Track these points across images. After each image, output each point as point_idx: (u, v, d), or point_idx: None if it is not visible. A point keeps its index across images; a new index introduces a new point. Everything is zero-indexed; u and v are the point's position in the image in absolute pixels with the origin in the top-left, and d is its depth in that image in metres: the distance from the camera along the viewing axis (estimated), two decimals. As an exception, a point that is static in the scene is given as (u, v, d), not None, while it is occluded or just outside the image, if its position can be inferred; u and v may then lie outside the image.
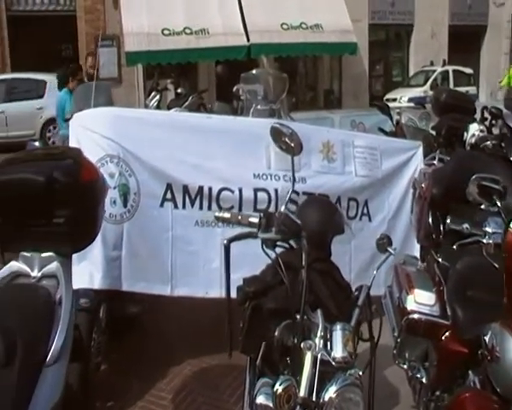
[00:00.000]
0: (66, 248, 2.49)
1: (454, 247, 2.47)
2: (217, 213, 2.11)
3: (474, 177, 1.99)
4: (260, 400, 1.79)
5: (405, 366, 2.78)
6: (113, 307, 3.54)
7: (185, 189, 3.62)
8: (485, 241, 1.70)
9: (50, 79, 13.21)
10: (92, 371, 3.20)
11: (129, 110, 4.04)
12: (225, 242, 1.94)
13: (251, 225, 1.97)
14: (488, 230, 1.70)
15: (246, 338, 2.15)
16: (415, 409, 2.93)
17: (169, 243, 3.61)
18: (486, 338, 2.00)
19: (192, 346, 3.76)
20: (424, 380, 2.65)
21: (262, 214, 1.97)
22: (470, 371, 2.27)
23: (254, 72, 5.25)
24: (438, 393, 2.55)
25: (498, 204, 1.81)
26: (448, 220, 2.40)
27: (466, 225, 2.22)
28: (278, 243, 1.96)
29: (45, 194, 2.34)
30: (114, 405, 3.24)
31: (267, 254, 1.92)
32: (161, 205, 3.62)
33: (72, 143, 3.53)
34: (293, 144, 2.02)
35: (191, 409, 3.25)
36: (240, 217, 2.03)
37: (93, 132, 3.57)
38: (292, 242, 1.99)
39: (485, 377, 2.09)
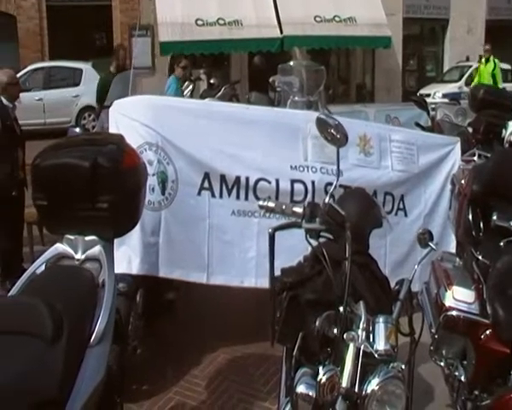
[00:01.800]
0: (108, 233, 2.54)
1: (501, 244, 2.44)
2: (261, 202, 2.12)
3: None
4: (301, 389, 1.80)
5: (442, 364, 2.77)
6: (150, 293, 3.60)
7: (222, 178, 3.66)
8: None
9: (86, 68, 13.49)
10: (129, 354, 3.26)
11: (167, 99, 4.09)
12: (270, 230, 1.95)
13: (294, 214, 1.98)
14: (534, 227, 1.68)
15: (283, 328, 2.16)
16: (450, 408, 2.91)
17: (206, 231, 3.65)
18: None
19: (226, 334, 3.81)
20: (462, 378, 2.63)
21: (306, 204, 1.98)
22: (512, 373, 2.24)
23: (292, 63, 5.24)
24: (476, 392, 2.53)
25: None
26: (494, 217, 2.37)
27: (512, 223, 2.20)
28: (322, 233, 1.96)
29: (90, 178, 2.38)
30: (149, 388, 3.31)
31: (310, 244, 1.93)
32: (199, 193, 3.66)
33: (112, 130, 3.59)
34: (338, 136, 2.02)
35: (225, 397, 3.29)
36: (284, 207, 2.04)
37: (132, 120, 3.62)
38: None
39: (527, 378, 2.07)
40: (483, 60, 12.05)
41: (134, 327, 3.31)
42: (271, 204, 2.08)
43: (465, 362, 2.65)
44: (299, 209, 1.97)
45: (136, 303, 3.43)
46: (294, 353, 2.12)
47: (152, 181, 3.53)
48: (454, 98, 10.77)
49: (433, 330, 2.77)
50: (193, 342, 3.76)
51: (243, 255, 3.63)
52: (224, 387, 3.38)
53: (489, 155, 3.81)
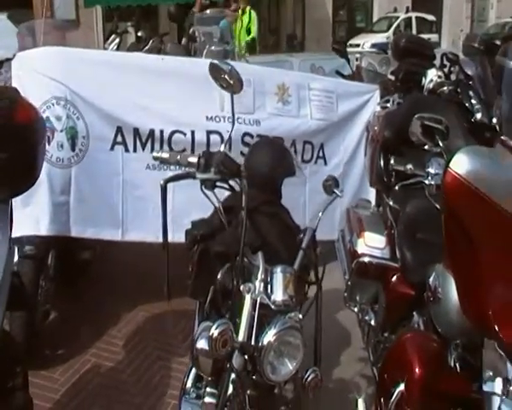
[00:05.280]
0: (3, 193, 2.37)
1: (396, 188, 2.46)
2: (155, 154, 2.02)
3: (416, 116, 1.94)
4: (200, 344, 1.76)
5: (356, 309, 2.80)
6: (63, 254, 3.45)
7: (136, 132, 3.53)
8: (427, 182, 1.67)
9: (1, 19, 12.60)
10: (40, 319, 3.14)
11: (77, 50, 3.83)
12: (162, 182, 1.87)
13: (190, 165, 1.90)
14: (431, 171, 1.67)
15: (194, 282, 2.11)
16: (365, 351, 2.97)
17: (119, 187, 3.53)
18: (430, 280, 2.00)
19: (144, 292, 3.70)
20: (373, 322, 2.68)
21: (201, 154, 1.89)
22: (415, 313, 2.28)
23: (209, 12, 5.06)
24: (386, 334, 2.58)
25: (441, 144, 1.77)
26: (392, 161, 2.36)
27: (409, 166, 2.18)
28: (218, 183, 1.89)
29: None
30: (64, 353, 3.18)
31: (206, 195, 1.86)
32: (111, 148, 3.53)
33: (15, 85, 3.34)
34: (232, 81, 1.92)
35: (143, 355, 3.23)
36: (179, 157, 1.95)
37: (38, 73, 3.41)
38: (234, 184, 1.92)
39: (428, 318, 2.11)
40: (239, 12, 10.10)
41: (45, 291, 3.16)
42: (165, 155, 1.99)
43: (376, 306, 2.69)
44: (194, 159, 1.89)
45: (47, 266, 3.27)
46: (205, 307, 2.08)
47: (60, 137, 3.37)
48: (382, 48, 10.82)
49: (346, 277, 2.79)
50: (110, 302, 3.65)
51: (158, 210, 3.52)
52: (142, 346, 3.31)
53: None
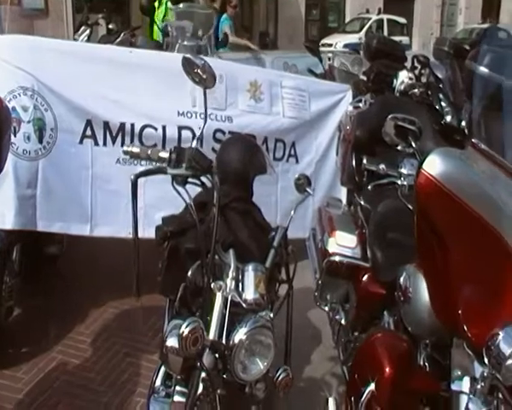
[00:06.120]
0: None
1: (369, 187, 2.47)
2: (125, 148, 1.99)
3: (390, 116, 1.95)
4: (170, 342, 1.73)
5: (326, 308, 2.80)
6: (28, 249, 3.37)
7: (106, 125, 3.47)
8: (399, 182, 1.68)
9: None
10: (3, 316, 3.06)
11: (46, 40, 3.75)
12: (132, 177, 1.83)
13: (161, 160, 1.86)
14: (403, 171, 1.68)
15: (164, 279, 2.09)
16: (335, 350, 2.98)
17: (88, 181, 3.47)
18: (401, 279, 2.01)
19: (113, 288, 3.64)
20: (343, 321, 2.68)
21: (173, 149, 1.87)
22: (385, 312, 2.30)
23: (182, 6, 5.01)
24: (356, 333, 2.59)
25: (413, 145, 1.78)
26: (364, 161, 2.38)
27: (382, 166, 2.20)
28: (189, 179, 1.86)
29: None
30: (29, 350, 3.10)
31: (177, 191, 1.83)
32: (80, 142, 3.46)
33: (-22, 74, 3.26)
34: (205, 76, 1.89)
35: (111, 352, 3.17)
36: (149, 152, 1.91)
37: (4, 61, 3.32)
38: (206, 180, 1.90)
39: (398, 317, 2.12)
40: (156, 3, 8.75)
41: (9, 286, 3.08)
42: (136, 149, 1.95)
43: (347, 306, 2.69)
44: (165, 154, 1.86)
45: (12, 260, 3.19)
46: (175, 304, 2.05)
47: (27, 129, 3.28)
48: (354, 49, 10.90)
49: (317, 276, 2.79)
50: (78, 298, 3.58)
51: (129, 205, 3.47)
52: (110, 342, 3.25)
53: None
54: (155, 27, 8.27)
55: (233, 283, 1.76)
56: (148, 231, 3.50)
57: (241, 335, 1.69)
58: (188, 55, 1.94)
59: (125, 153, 2.00)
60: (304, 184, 2.24)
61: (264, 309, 1.77)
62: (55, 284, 3.71)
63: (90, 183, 3.47)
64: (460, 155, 1.47)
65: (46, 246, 3.65)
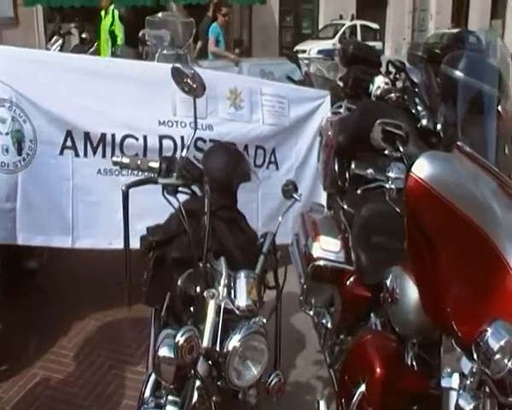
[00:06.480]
0: None
1: (358, 192, 2.51)
2: (114, 158, 1.98)
3: (378, 122, 1.99)
4: (163, 352, 1.73)
5: (311, 312, 2.82)
6: (8, 263, 3.31)
7: (87, 136, 3.45)
8: (387, 186, 1.71)
9: None
10: (-16, 331, 3.02)
11: (22, 50, 3.71)
12: (123, 188, 1.83)
13: (151, 170, 1.87)
14: (391, 175, 1.71)
15: (150, 289, 2.08)
16: (319, 354, 3.00)
17: (69, 193, 3.44)
18: (388, 281, 2.04)
19: (96, 300, 3.62)
20: (329, 325, 2.70)
21: (162, 159, 1.87)
22: (372, 314, 2.33)
23: (160, 15, 5.02)
24: (342, 336, 2.61)
25: (401, 150, 1.82)
26: (353, 166, 2.42)
27: (370, 171, 2.23)
28: (180, 188, 1.87)
29: None
30: (9, 367, 3.03)
31: (168, 200, 1.83)
32: (61, 153, 3.43)
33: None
34: (195, 85, 1.91)
35: (95, 365, 3.13)
36: (139, 162, 1.92)
37: None
38: (195, 188, 1.91)
39: (385, 318, 2.15)
40: (102, 12, 8.48)
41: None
42: (126, 160, 1.95)
43: (332, 309, 2.72)
44: (155, 164, 1.86)
45: (-9, 275, 3.15)
46: (162, 314, 2.05)
47: (5, 141, 3.23)
48: (328, 55, 11.03)
49: (302, 281, 2.81)
50: (59, 311, 3.53)
51: (111, 216, 3.44)
52: (94, 355, 3.22)
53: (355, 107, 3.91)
54: (102, 37, 8.20)
55: (225, 290, 1.77)
56: (130, 242, 3.50)
57: (235, 342, 1.70)
58: (177, 65, 1.96)
59: (115, 163, 2.00)
60: (291, 190, 2.26)
61: (257, 315, 1.79)
62: (35, 298, 3.65)
63: (71, 194, 3.45)
64: (447, 157, 1.51)
65: (25, 260, 3.61)
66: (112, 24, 8.17)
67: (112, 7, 8.29)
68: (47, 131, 3.37)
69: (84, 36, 8.20)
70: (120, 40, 8.03)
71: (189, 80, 1.90)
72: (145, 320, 3.08)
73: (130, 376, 3.04)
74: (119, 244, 3.39)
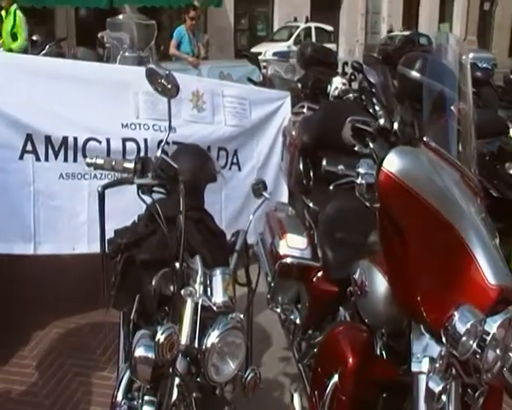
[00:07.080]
0: None
1: (330, 187, 2.56)
2: (88, 160, 1.97)
3: (349, 119, 2.05)
4: (140, 352, 1.73)
5: (278, 310, 2.86)
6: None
7: (48, 139, 3.38)
8: (358, 181, 1.76)
9: None
10: None
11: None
12: (99, 188, 1.83)
13: (125, 170, 1.87)
14: (361, 171, 1.76)
15: (118, 292, 2.07)
16: (287, 350, 3.05)
17: (30, 198, 3.37)
18: (356, 275, 2.10)
19: (57, 307, 3.55)
20: (297, 321, 2.75)
21: (137, 159, 1.88)
22: (341, 308, 2.38)
23: (121, 17, 4.98)
24: (310, 332, 2.66)
25: (371, 146, 1.88)
26: (324, 162, 2.47)
27: (341, 167, 2.29)
28: (155, 188, 1.88)
29: None
30: (-33, 381, 2.93)
31: (143, 200, 1.84)
32: (21, 157, 3.35)
33: None
34: (169, 86, 1.92)
35: (60, 374, 3.06)
36: (114, 162, 1.92)
37: None
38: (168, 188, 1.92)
39: (354, 311, 2.20)
40: (3, 13, 7.90)
41: None
42: (100, 161, 1.94)
43: (299, 306, 2.77)
44: (130, 164, 1.87)
45: None
46: (132, 316, 2.04)
47: (-37, 146, 3.16)
48: (284, 57, 11.16)
49: (269, 279, 2.85)
50: (19, 321, 3.44)
51: (74, 221, 3.42)
52: (58, 364, 3.14)
53: (317, 108, 3.97)
54: (4, 38, 7.83)
55: (201, 288, 1.79)
56: (91, 247, 3.44)
57: (213, 338, 1.72)
58: (151, 66, 1.97)
59: (89, 165, 1.98)
60: (260, 188, 2.29)
61: (234, 311, 1.81)
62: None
63: (33, 200, 3.37)
64: (415, 153, 1.58)
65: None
66: (13, 26, 7.76)
67: (14, 7, 7.81)
68: (6, 134, 3.30)
69: (34, 38, 8.02)
70: (22, 40, 7.67)
71: (163, 81, 1.91)
72: (108, 325, 3.06)
73: (97, 382, 2.99)
74: (82, 249, 3.43)
